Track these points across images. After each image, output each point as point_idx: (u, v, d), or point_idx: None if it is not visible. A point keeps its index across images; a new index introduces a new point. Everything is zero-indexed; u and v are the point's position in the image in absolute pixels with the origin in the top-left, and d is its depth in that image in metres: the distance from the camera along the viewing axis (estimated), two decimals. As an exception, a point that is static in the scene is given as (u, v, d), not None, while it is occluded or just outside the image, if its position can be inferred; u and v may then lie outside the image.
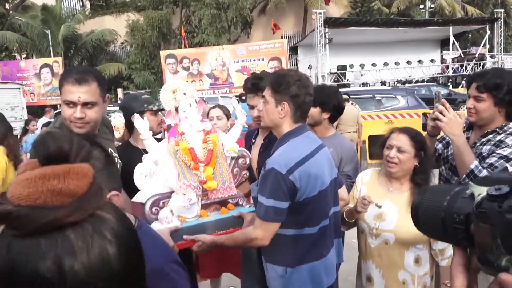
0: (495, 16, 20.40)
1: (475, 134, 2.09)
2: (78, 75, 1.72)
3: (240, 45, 20.03)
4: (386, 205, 1.96)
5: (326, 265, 1.79)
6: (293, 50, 23.19)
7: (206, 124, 1.99)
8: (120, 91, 20.36)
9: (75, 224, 0.51)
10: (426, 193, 0.67)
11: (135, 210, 1.93)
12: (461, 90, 16.12)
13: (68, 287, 0.49)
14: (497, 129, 1.97)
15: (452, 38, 20.36)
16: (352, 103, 8.24)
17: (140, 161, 1.98)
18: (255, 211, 1.76)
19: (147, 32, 23.15)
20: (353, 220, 2.05)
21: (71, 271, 0.49)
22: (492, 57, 20.11)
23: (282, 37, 22.29)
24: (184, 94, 1.97)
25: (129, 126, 2.43)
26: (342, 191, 2.03)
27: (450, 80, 20.19)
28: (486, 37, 20.53)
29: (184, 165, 1.91)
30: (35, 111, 20.46)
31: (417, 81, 18.96)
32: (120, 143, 2.60)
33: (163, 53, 19.38)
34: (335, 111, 2.60)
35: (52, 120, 5.98)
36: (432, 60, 20.72)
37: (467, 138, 2.03)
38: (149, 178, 1.92)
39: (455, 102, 13.13)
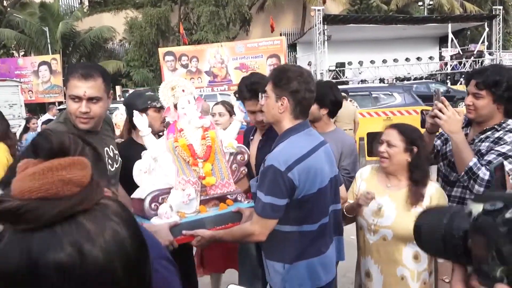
0: (493, 13, 20.35)
1: (473, 130, 2.10)
2: (84, 71, 1.76)
3: (238, 42, 19.99)
4: (384, 201, 1.97)
5: (325, 262, 1.80)
6: (292, 47, 23.15)
7: (204, 120, 1.99)
8: (118, 89, 20.33)
9: (85, 211, 0.53)
10: (426, 213, 0.72)
11: (134, 206, 1.94)
12: (460, 87, 16.12)
13: (89, 271, 0.51)
14: (495, 126, 1.98)
15: (450, 35, 20.32)
16: (350, 100, 8.25)
17: None
18: (253, 207, 1.77)
19: (145, 30, 23.09)
20: (353, 215, 2.06)
21: (91, 255, 0.51)
22: (490, 54, 20.09)
23: (280, 34, 22.27)
24: (183, 91, 1.98)
25: (133, 123, 2.45)
26: (341, 189, 2.04)
27: (449, 77, 20.17)
28: (485, 34, 20.51)
29: (183, 161, 1.92)
30: (33, 109, 20.44)
31: (415, 78, 18.96)
32: (123, 140, 2.61)
33: (161, 51, 19.34)
34: (333, 106, 2.62)
35: (54, 118, 5.98)
36: (430, 57, 20.70)
37: (466, 135, 2.04)
38: (148, 174, 1.94)
39: (453, 99, 13.16)
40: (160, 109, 2.38)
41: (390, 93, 9.88)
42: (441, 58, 21.95)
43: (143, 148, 2.05)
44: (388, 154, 1.94)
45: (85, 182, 0.54)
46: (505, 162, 1.80)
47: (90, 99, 1.77)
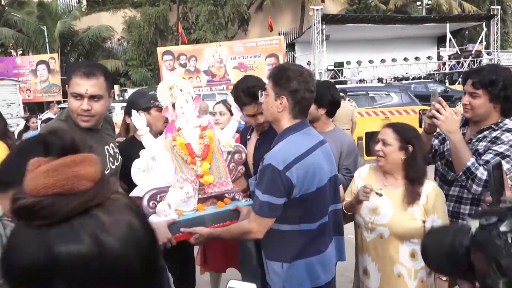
0: (491, 13, 20.40)
1: (470, 130, 2.11)
2: (86, 69, 1.79)
3: (237, 41, 20.00)
4: (381, 200, 1.98)
5: (324, 261, 1.80)
6: (290, 46, 23.17)
7: (202, 120, 2.00)
8: (116, 88, 20.30)
9: (98, 205, 0.55)
10: (432, 233, 0.76)
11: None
12: (458, 87, 16.15)
13: (107, 261, 0.52)
14: (492, 126, 1.99)
15: (449, 35, 20.36)
16: (349, 100, 8.25)
17: None
18: (251, 205, 1.77)
19: (144, 29, 23.07)
20: (351, 213, 2.08)
21: (108, 245, 0.52)
22: (488, 54, 20.15)
23: (279, 34, 22.27)
24: (181, 90, 1.99)
25: (128, 122, 2.45)
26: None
27: (447, 77, 20.23)
28: (483, 34, 20.56)
29: (181, 159, 1.93)
30: (31, 108, 20.41)
31: (414, 78, 18.99)
32: (124, 139, 2.63)
33: (160, 50, 19.33)
34: (331, 106, 2.62)
35: (55, 116, 5.98)
36: (429, 57, 20.75)
37: (463, 134, 2.05)
38: (146, 173, 1.94)
39: (451, 99, 13.19)
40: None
41: (387, 93, 9.90)
42: (439, 58, 22.00)
43: (144, 147, 2.06)
44: (384, 153, 1.96)
45: (97, 177, 0.56)
46: (503, 162, 1.80)
47: (92, 97, 1.79)
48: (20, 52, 24.61)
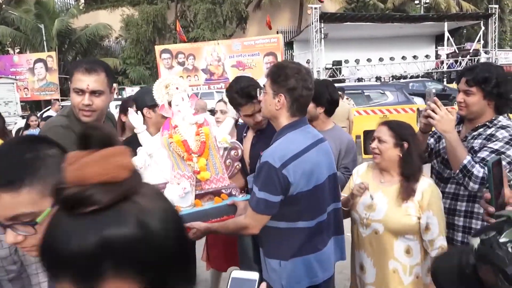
0: (489, 12, 20.41)
1: (465, 127, 2.12)
2: (88, 65, 1.84)
3: (235, 40, 19.97)
4: (378, 196, 2.00)
5: (321, 259, 1.80)
6: (289, 45, 23.15)
7: (198, 117, 2.02)
8: (114, 86, 20.27)
9: (135, 192, 0.58)
10: (438, 260, 0.79)
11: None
12: (456, 85, 16.12)
13: (153, 242, 0.55)
14: (487, 123, 2.01)
15: (447, 34, 20.38)
16: (347, 98, 8.25)
17: None
18: (248, 200, 1.79)
19: (142, 27, 23.05)
20: (348, 209, 2.09)
21: (152, 226, 0.56)
22: (486, 52, 20.17)
23: (277, 32, 22.25)
24: (177, 88, 2.01)
25: (122, 121, 2.46)
26: None
27: (445, 75, 20.24)
28: (481, 32, 20.57)
29: (178, 156, 1.95)
30: (29, 106, 20.36)
31: (412, 77, 19.01)
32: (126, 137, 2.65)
33: (158, 48, 19.28)
34: (329, 104, 2.63)
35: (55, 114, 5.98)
36: (427, 56, 20.75)
37: (458, 132, 2.06)
38: (144, 170, 1.95)
39: (449, 98, 13.18)
40: None
41: (383, 92, 9.90)
42: (437, 56, 22.01)
43: None
44: (379, 150, 1.98)
45: (133, 167, 0.60)
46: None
47: (93, 92, 1.83)
48: (18, 50, 24.54)
